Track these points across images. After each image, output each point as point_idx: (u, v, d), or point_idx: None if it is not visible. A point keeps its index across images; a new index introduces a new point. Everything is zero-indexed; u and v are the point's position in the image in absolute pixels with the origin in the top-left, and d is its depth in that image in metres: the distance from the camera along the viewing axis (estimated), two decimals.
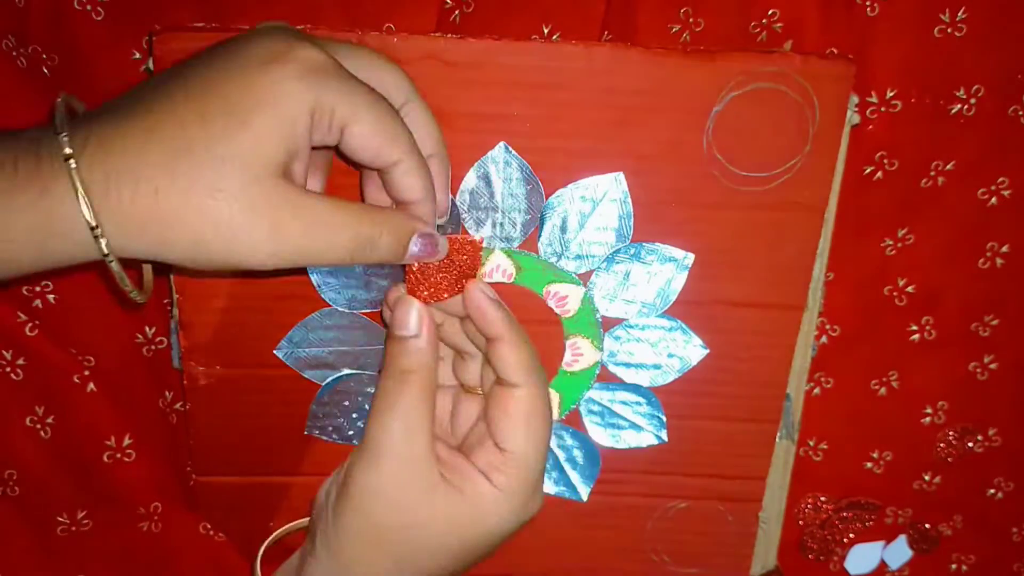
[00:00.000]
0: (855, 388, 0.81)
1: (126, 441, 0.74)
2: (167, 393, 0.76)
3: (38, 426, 0.73)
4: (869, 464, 0.83)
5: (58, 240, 0.47)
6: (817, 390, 0.80)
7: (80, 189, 0.46)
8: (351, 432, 0.72)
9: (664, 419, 0.72)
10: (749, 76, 0.63)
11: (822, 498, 0.84)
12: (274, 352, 0.70)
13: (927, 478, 0.83)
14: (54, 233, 0.46)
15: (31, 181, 0.46)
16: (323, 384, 0.71)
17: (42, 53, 0.66)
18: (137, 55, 0.67)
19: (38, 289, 0.70)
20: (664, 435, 0.73)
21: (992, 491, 0.84)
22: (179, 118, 0.47)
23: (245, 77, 0.48)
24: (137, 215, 0.47)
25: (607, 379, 0.71)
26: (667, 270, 0.68)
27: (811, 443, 0.82)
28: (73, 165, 0.46)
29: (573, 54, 0.63)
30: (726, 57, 0.63)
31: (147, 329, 0.74)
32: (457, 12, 0.69)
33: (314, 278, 0.67)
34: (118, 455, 0.74)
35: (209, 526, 0.78)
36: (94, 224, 0.46)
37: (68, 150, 0.46)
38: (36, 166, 0.46)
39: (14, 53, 0.66)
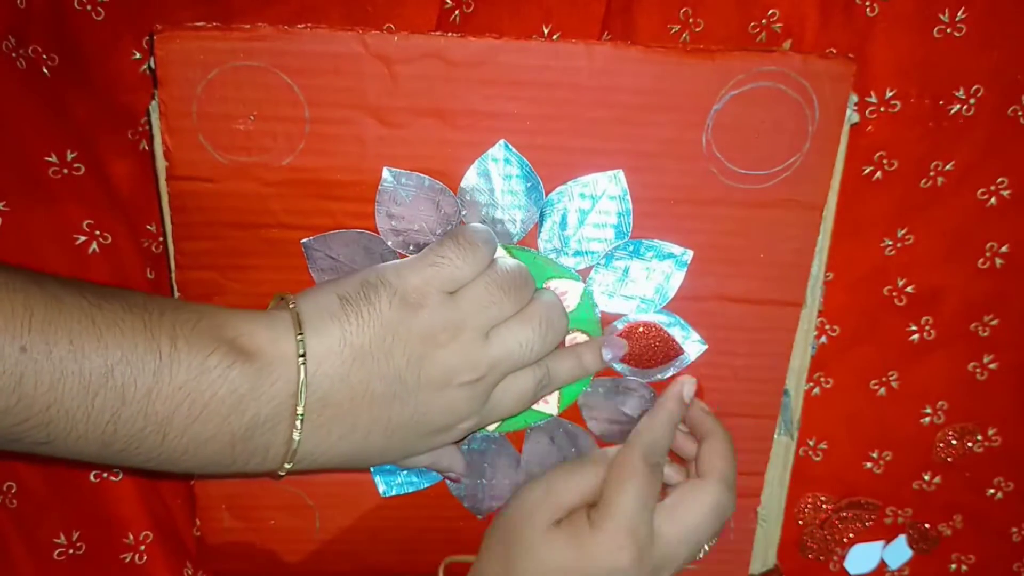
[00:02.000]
0: (855, 388, 0.81)
1: None
2: None
3: None
4: (869, 464, 0.83)
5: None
6: (817, 390, 0.80)
7: None
8: None
9: None
10: (749, 75, 0.63)
11: (822, 498, 0.84)
12: None
13: (927, 478, 0.83)
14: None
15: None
16: None
17: (42, 53, 0.66)
18: (137, 55, 0.67)
19: None
20: None
21: (992, 491, 0.84)
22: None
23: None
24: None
25: (606, 374, 0.72)
26: (666, 266, 0.68)
27: (811, 443, 0.82)
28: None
29: (573, 53, 0.63)
30: (726, 56, 0.63)
31: None
32: (457, 12, 0.69)
33: (316, 276, 0.68)
34: (104, 474, 0.74)
35: (191, 570, 0.78)
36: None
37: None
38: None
39: (14, 55, 0.66)
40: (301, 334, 0.58)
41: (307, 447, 0.59)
